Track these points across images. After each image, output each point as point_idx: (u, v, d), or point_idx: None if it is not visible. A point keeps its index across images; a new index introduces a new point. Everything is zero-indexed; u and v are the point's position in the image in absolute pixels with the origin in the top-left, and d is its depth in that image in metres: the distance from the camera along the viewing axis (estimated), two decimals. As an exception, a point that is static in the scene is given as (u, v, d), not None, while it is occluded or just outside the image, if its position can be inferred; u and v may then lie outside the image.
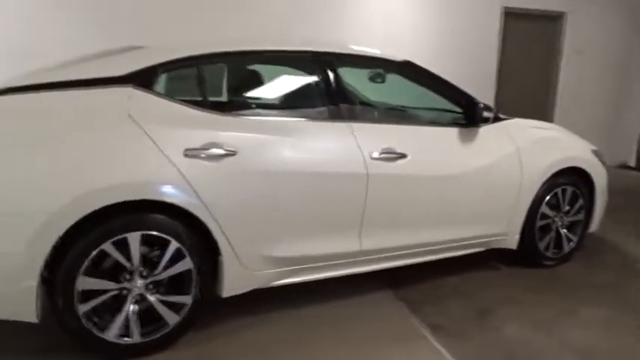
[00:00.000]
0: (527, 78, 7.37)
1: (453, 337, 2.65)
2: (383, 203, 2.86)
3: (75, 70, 2.40)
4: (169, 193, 2.31)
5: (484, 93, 5.86)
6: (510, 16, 7.06)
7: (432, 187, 3.02)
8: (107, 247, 2.22)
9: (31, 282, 2.11)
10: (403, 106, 3.52)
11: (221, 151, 2.41)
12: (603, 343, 2.65)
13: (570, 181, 3.58)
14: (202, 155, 2.37)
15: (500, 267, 3.62)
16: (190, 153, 2.35)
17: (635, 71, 7.59)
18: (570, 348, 2.60)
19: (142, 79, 2.40)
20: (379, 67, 3.16)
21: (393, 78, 3.28)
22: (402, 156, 2.87)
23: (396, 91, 3.44)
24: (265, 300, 2.81)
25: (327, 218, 2.75)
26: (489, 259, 3.63)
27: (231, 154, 2.43)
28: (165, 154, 2.30)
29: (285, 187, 2.58)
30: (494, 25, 7.04)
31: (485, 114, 3.16)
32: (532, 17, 7.23)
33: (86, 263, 2.18)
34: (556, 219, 3.59)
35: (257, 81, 3.00)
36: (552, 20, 7.34)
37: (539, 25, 7.33)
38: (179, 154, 2.33)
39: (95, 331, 2.26)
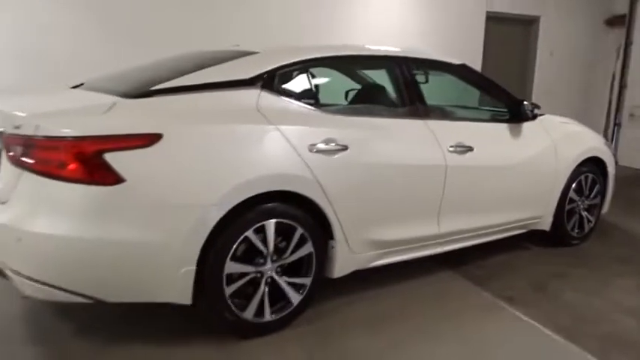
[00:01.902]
0: (507, 76, 7.91)
1: (525, 306, 3.03)
2: (456, 191, 3.20)
3: (208, 74, 2.58)
4: (300, 184, 2.56)
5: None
6: (492, 20, 7.60)
7: (492, 176, 3.41)
8: (249, 234, 2.44)
9: (191, 267, 2.30)
10: (463, 105, 3.88)
11: (337, 146, 2.68)
12: (649, 304, 3.12)
13: (591, 169, 4.07)
14: (322, 150, 2.63)
15: (531, 247, 4.06)
16: (313, 148, 2.60)
17: (599, 70, 8.34)
18: (623, 307, 3.05)
19: (266, 81, 2.63)
20: (441, 69, 3.50)
21: (434, 78, 3.63)
22: (470, 149, 3.23)
23: (438, 90, 3.79)
24: (351, 280, 3.06)
25: (415, 204, 3.07)
26: (519, 241, 4.04)
27: (344, 149, 2.70)
28: (295, 148, 2.54)
29: (384, 177, 2.88)
30: (478, 28, 7.56)
31: (528, 111, 3.59)
32: (511, 21, 7.82)
33: (233, 249, 2.40)
34: (579, 203, 4.06)
35: (356, 82, 3.27)
36: (528, 24, 7.96)
37: (517, 29, 7.94)
38: (305, 148, 2.58)
39: (237, 312, 2.47)
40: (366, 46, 3.26)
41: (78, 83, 3.24)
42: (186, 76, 2.54)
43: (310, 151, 2.59)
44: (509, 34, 7.90)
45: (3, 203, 2.28)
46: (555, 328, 2.76)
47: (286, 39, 6.05)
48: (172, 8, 5.82)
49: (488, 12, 7.54)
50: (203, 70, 2.60)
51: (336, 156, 2.68)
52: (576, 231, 4.11)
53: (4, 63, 5.20)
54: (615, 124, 8.10)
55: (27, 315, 2.77)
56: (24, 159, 2.18)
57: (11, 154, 2.24)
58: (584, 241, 4.18)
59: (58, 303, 2.70)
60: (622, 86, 7.95)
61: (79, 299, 2.22)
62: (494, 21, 7.62)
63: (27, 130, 2.17)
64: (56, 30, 5.40)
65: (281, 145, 2.52)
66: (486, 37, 7.61)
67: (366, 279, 3.16)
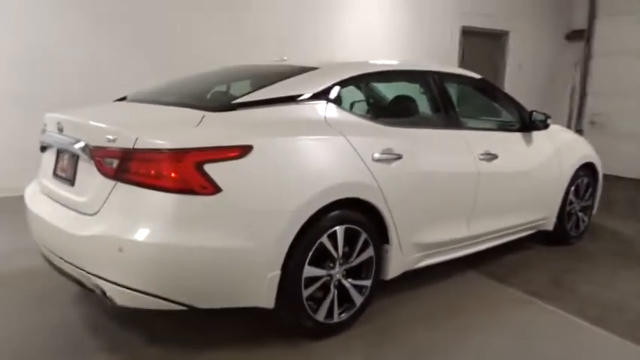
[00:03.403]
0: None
1: (551, 299, 3.31)
2: (485, 195, 3.46)
3: (279, 88, 2.71)
4: (367, 191, 2.73)
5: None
6: (467, 34, 8.06)
7: (513, 181, 3.70)
8: (324, 239, 2.59)
9: (277, 272, 2.43)
10: (484, 116, 4.16)
11: (393, 156, 2.87)
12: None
13: (586, 174, 4.45)
14: (382, 159, 2.82)
15: (536, 247, 4.39)
16: (375, 157, 2.78)
17: (560, 81, 8.96)
18: (635, 295, 3.39)
19: (330, 94, 2.79)
20: (466, 82, 3.77)
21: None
22: (495, 157, 3.51)
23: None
24: (396, 282, 3.24)
25: (453, 209, 3.31)
26: (524, 242, 4.35)
27: (399, 157, 2.90)
28: (362, 158, 2.71)
29: (430, 183, 3.09)
30: (455, 41, 7.98)
31: (540, 121, 3.91)
32: (484, 35, 8.30)
33: (310, 254, 2.54)
34: (576, 204, 4.44)
35: (401, 95, 3.47)
36: (499, 38, 8.47)
37: (490, 42, 8.43)
38: (369, 158, 2.75)
39: (312, 314, 2.61)
40: (406, 62, 3.48)
41: (120, 97, 3.30)
42: (261, 90, 2.66)
43: (373, 160, 2.77)
44: (483, 48, 8.38)
45: (91, 215, 2.32)
46: (586, 318, 3.06)
47: (267, 44, 6.24)
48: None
49: (464, 27, 7.97)
50: (275, 85, 2.73)
51: (393, 165, 2.87)
52: (574, 230, 4.48)
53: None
54: (577, 131, 8.70)
55: (95, 325, 2.79)
56: (121, 171, 2.23)
57: (103, 166, 2.29)
58: (579, 240, 4.55)
59: (123, 314, 2.76)
60: (583, 96, 8.58)
61: (173, 306, 2.29)
62: (470, 35, 8.07)
63: (124, 143, 2.23)
64: (49, 34, 5.38)
65: (350, 154, 2.68)
66: (462, 50, 8.04)
67: (406, 280, 3.35)
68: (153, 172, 2.20)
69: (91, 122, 2.48)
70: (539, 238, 4.39)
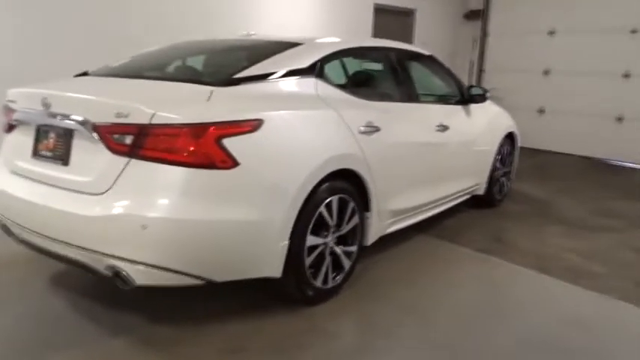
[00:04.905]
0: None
1: (498, 254, 3.74)
2: (442, 163, 3.79)
3: (272, 64, 2.75)
4: (356, 162, 2.89)
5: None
6: (379, 11, 8.38)
7: (461, 149, 4.07)
8: (322, 209, 2.71)
9: (285, 242, 2.52)
10: (434, 91, 4.43)
11: (373, 128, 3.05)
12: (582, 243, 4.05)
13: (507, 142, 4.97)
14: (365, 131, 2.99)
15: (467, 210, 4.84)
16: (361, 130, 2.95)
17: (459, 57, 9.66)
18: (564, 248, 3.92)
19: (318, 69, 2.89)
20: (418, 59, 4.02)
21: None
22: (447, 128, 3.83)
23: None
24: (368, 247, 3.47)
25: (418, 176, 3.59)
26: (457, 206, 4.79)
27: (377, 129, 3.09)
28: (351, 130, 2.86)
29: (402, 153, 3.33)
30: (368, 19, 8.28)
31: (479, 95, 4.30)
32: (394, 13, 8.68)
33: (312, 224, 2.66)
34: (500, 170, 4.95)
35: (376, 71, 3.62)
36: (407, 15, 8.90)
37: (399, 20, 8.83)
38: (356, 130, 2.91)
39: (312, 280, 2.74)
40: (374, 39, 3.64)
41: (80, 72, 3.14)
42: (256, 66, 2.69)
43: (359, 132, 2.93)
44: (392, 25, 8.76)
45: (98, 194, 2.24)
46: (533, 267, 3.51)
47: (191, 29, 6.09)
48: None
49: (375, 4, 8.29)
50: (268, 60, 2.76)
51: (374, 136, 3.06)
52: (499, 194, 5.00)
53: None
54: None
55: (92, 311, 2.71)
56: (136, 147, 2.18)
57: (112, 142, 2.22)
58: (502, 202, 5.09)
59: (117, 298, 2.70)
60: (481, 71, 9.35)
61: (193, 281, 2.31)
62: (381, 12, 8.40)
63: (139, 119, 2.17)
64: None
65: (343, 127, 2.82)
66: (374, 26, 8.37)
67: (374, 245, 3.59)
68: (172, 147, 2.18)
69: (94, 97, 2.36)
70: (469, 203, 4.84)
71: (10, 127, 2.74)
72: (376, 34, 8.39)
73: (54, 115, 2.43)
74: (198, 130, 2.19)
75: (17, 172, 2.63)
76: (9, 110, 2.72)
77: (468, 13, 9.60)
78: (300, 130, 2.60)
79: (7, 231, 2.74)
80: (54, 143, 2.48)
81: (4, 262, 3.25)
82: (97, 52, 4.58)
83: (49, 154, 2.50)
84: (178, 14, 6.16)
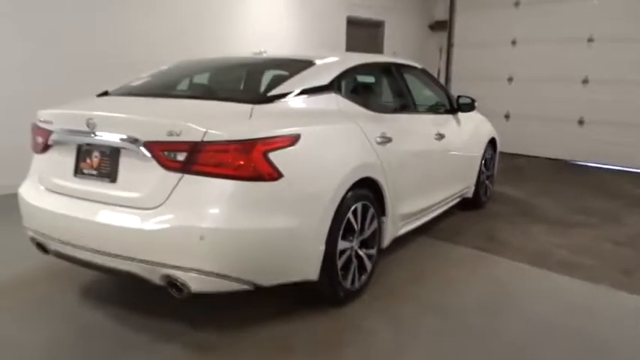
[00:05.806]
0: (362, 73, 9.12)
1: (495, 252, 4.02)
2: (441, 169, 4.05)
3: (297, 82, 2.93)
4: (375, 171, 3.11)
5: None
6: (351, 23, 8.68)
7: (455, 155, 4.34)
8: (349, 215, 2.90)
9: (322, 246, 2.70)
10: (428, 101, 4.69)
11: (387, 139, 3.27)
12: (567, 239, 4.38)
13: (490, 147, 5.30)
14: (381, 142, 3.20)
15: (456, 212, 5.12)
16: (378, 141, 3.16)
17: (426, 66, 10.02)
18: (553, 244, 4.24)
19: (336, 86, 3.09)
20: (413, 72, 4.28)
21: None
22: (443, 136, 4.10)
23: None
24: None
25: (423, 181, 3.83)
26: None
27: (390, 140, 3.31)
28: (370, 142, 3.08)
29: (410, 161, 3.57)
30: (341, 30, 8.56)
31: (467, 104, 4.60)
32: (365, 24, 9.00)
33: (342, 229, 2.85)
34: (485, 173, 5.27)
35: (384, 84, 3.84)
36: (377, 27, 9.24)
37: (370, 31, 9.15)
38: (374, 141, 3.12)
39: (343, 282, 2.93)
40: (376, 55, 3.88)
41: (102, 92, 3.24)
42: (285, 84, 2.87)
43: (377, 143, 3.15)
44: (364, 36, 9.07)
45: (152, 208, 2.36)
46: (527, 262, 3.80)
47: (170, 44, 6.23)
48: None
49: (348, 17, 8.58)
50: (293, 78, 2.94)
51: (387, 146, 3.27)
52: (484, 196, 5.31)
53: None
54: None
55: (130, 323, 2.79)
56: (189, 163, 2.32)
57: (165, 159, 2.35)
58: (487, 203, 5.41)
59: (149, 308, 2.80)
60: (447, 79, 9.77)
61: (244, 287, 2.46)
62: (353, 24, 8.71)
63: (192, 137, 2.31)
64: None
65: (362, 139, 3.03)
66: (347, 37, 8.66)
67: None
68: (223, 162, 2.32)
69: (144, 117, 2.47)
70: (458, 205, 5.12)
71: (45, 147, 2.80)
72: (349, 44, 8.68)
73: (99, 135, 2.53)
74: (247, 145, 2.35)
75: (56, 191, 2.70)
76: (43, 131, 2.79)
77: (433, 24, 10.02)
78: (331, 142, 2.79)
79: (42, 247, 2.80)
80: (99, 162, 2.58)
81: (28, 281, 3.28)
82: (100, 75, 4.66)
83: (93, 172, 2.59)
84: (158, 29, 6.25)
